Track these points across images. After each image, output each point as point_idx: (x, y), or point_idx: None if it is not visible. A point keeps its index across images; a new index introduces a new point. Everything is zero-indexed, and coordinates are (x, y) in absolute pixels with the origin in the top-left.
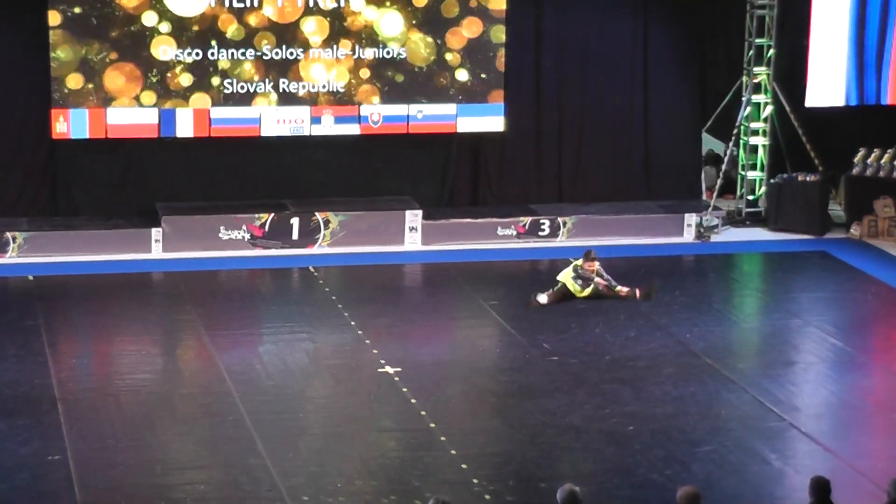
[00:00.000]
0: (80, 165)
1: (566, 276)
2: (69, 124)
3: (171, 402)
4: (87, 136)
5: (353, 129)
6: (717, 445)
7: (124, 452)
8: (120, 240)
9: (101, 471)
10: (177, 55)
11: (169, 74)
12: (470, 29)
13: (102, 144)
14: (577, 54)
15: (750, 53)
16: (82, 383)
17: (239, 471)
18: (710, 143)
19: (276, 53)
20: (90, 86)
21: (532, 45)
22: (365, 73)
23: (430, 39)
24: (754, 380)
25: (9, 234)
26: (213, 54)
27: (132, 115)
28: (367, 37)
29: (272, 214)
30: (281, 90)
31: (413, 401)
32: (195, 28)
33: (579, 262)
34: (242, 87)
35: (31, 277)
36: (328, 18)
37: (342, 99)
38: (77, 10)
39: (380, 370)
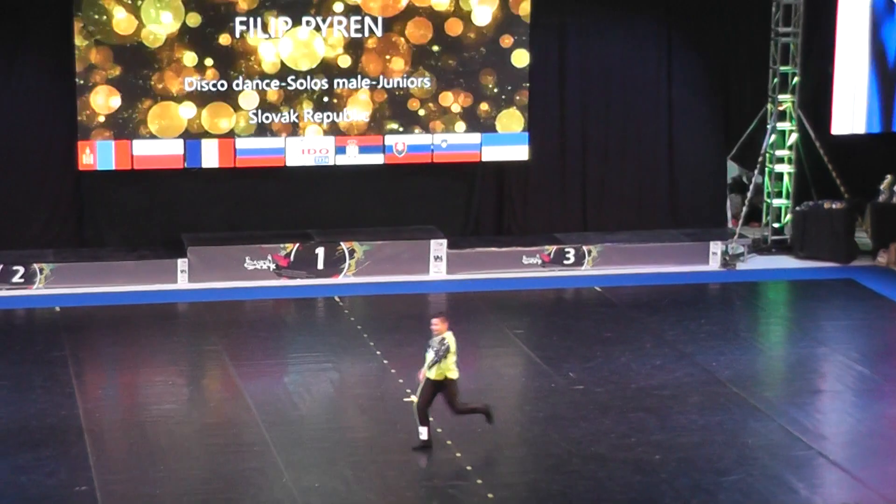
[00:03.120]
0: (106, 196)
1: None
2: (95, 156)
3: (198, 432)
4: (114, 167)
5: (377, 159)
6: (744, 475)
7: (151, 483)
8: (146, 270)
9: (128, 501)
10: (202, 85)
11: (195, 105)
12: (494, 65)
13: (128, 175)
14: (601, 83)
15: (775, 81)
16: (109, 414)
17: (266, 500)
18: (735, 170)
19: (301, 84)
20: (117, 117)
21: (556, 74)
22: (389, 103)
23: (452, 71)
24: (781, 408)
25: (36, 266)
26: (237, 85)
27: (158, 146)
28: (391, 68)
29: (297, 244)
30: (306, 120)
31: (439, 430)
32: (222, 59)
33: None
34: (267, 118)
35: (57, 308)
36: (352, 51)
37: (366, 129)
38: (104, 42)
39: (405, 399)
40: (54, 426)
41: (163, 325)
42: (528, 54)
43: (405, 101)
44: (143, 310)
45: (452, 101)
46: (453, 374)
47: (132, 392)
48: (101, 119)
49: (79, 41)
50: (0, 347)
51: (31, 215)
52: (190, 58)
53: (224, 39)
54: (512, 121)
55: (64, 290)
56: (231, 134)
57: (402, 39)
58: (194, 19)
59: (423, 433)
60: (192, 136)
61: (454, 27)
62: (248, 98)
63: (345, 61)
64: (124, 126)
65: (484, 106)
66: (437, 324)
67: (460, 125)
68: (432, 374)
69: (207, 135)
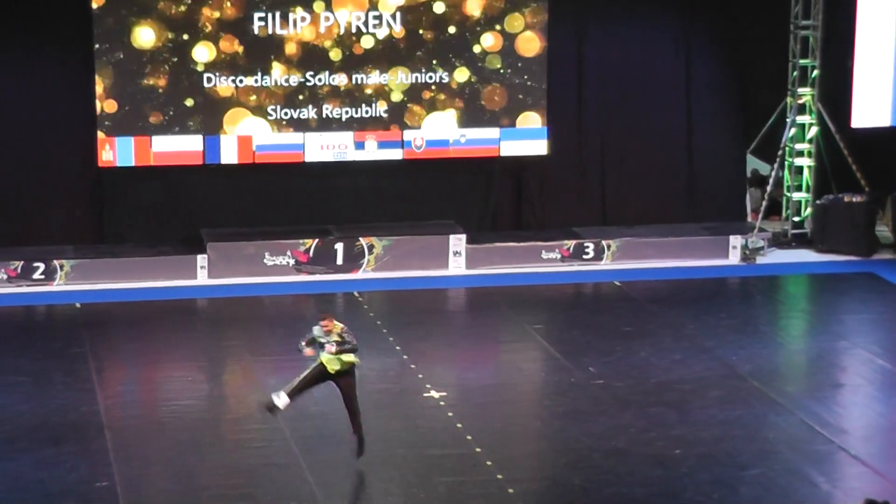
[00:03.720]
0: (125, 193)
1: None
2: (115, 152)
3: (218, 427)
4: (133, 163)
5: (396, 154)
6: (765, 469)
7: (171, 479)
8: (166, 266)
9: (149, 497)
10: (222, 81)
11: (214, 101)
12: (512, 54)
13: (148, 172)
14: (620, 77)
15: (794, 74)
16: (129, 410)
17: (286, 496)
18: (754, 164)
19: (320, 80)
20: (136, 113)
21: (574, 68)
22: (408, 97)
23: (469, 66)
24: (802, 402)
25: (56, 262)
26: (256, 81)
27: (177, 142)
28: (412, 63)
29: (316, 240)
30: (324, 115)
31: (459, 425)
32: (240, 55)
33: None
34: (286, 114)
35: (77, 305)
36: (373, 45)
37: (385, 124)
38: (122, 38)
39: (425, 395)
40: (75, 422)
41: (182, 321)
42: (546, 49)
43: (423, 96)
44: (162, 306)
45: (470, 95)
46: (337, 367)
47: (152, 388)
48: (120, 116)
49: (98, 36)
50: (21, 344)
51: (51, 212)
52: (208, 53)
53: (244, 34)
54: (530, 116)
55: (84, 287)
56: (250, 130)
57: (422, 33)
58: (212, 14)
59: (282, 400)
60: (212, 133)
61: (472, 21)
62: (267, 93)
63: (363, 55)
64: (143, 123)
65: (503, 100)
66: (326, 324)
67: (479, 120)
68: (336, 365)
69: (227, 131)
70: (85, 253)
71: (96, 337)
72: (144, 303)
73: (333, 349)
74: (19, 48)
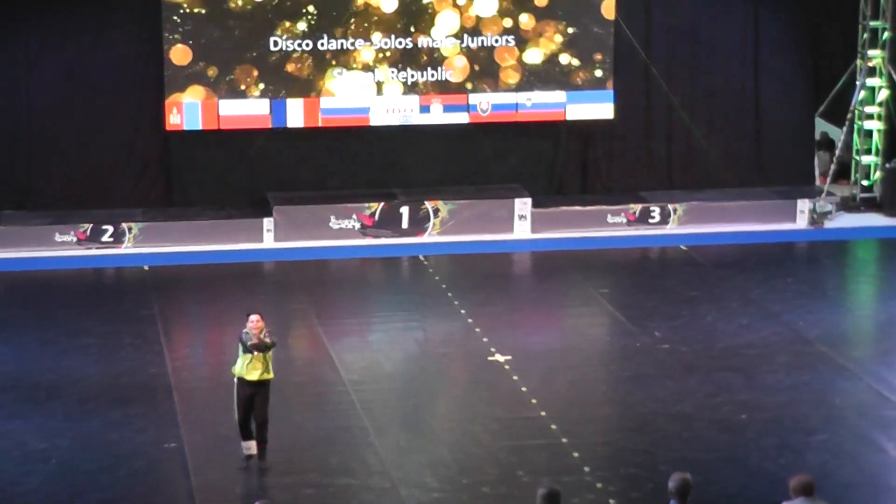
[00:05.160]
0: (193, 156)
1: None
2: (182, 116)
3: (284, 390)
4: (200, 127)
5: (461, 118)
6: (832, 434)
7: (237, 442)
8: (232, 230)
9: (216, 458)
10: (288, 45)
11: (281, 64)
12: (581, 23)
13: (215, 135)
14: (687, 39)
15: (864, 36)
16: (196, 372)
17: (351, 458)
18: (823, 127)
19: (386, 43)
20: (204, 77)
21: (642, 30)
22: (474, 62)
23: (538, 27)
24: (870, 368)
25: (125, 225)
26: (322, 45)
27: (244, 106)
28: (475, 27)
29: (382, 204)
30: (391, 79)
31: (523, 389)
32: (309, 19)
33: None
34: (353, 77)
35: (146, 267)
36: (435, 9)
37: (451, 88)
38: (192, 3)
39: (490, 358)
40: (143, 383)
41: (249, 284)
42: (615, 11)
43: (490, 59)
44: (229, 269)
45: (537, 58)
46: (271, 374)
47: (219, 350)
48: (189, 80)
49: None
50: (90, 305)
51: (119, 176)
52: (274, 21)
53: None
54: (598, 79)
55: (152, 249)
56: (317, 93)
57: None
58: None
59: (250, 448)
60: (278, 96)
61: None
62: (334, 57)
63: (429, 19)
64: (212, 86)
65: (570, 63)
66: (254, 321)
67: (545, 83)
68: (254, 376)
69: (293, 94)
70: (153, 216)
71: (164, 299)
72: (211, 266)
73: (254, 340)
74: (91, 14)
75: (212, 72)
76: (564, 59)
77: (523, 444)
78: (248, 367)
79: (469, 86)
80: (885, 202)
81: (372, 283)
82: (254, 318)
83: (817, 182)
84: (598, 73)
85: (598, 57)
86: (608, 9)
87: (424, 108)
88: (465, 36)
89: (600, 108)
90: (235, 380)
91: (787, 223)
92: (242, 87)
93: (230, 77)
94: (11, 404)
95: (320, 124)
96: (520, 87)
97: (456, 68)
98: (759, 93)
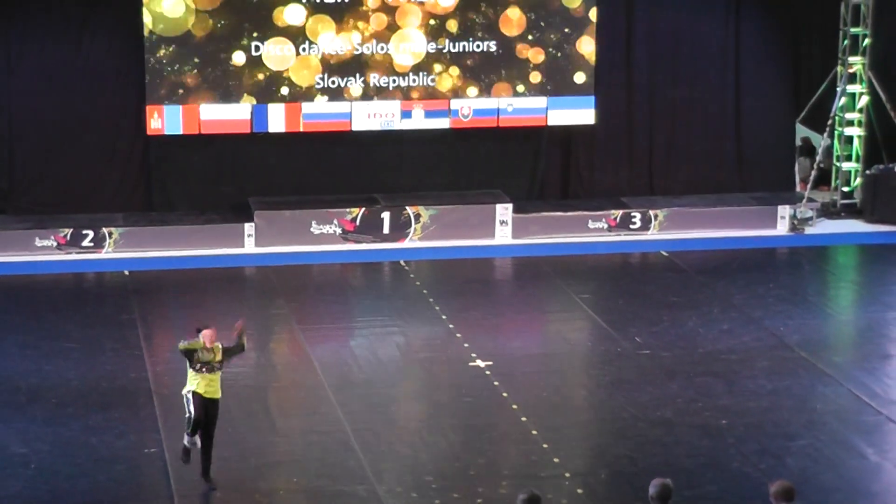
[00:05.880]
0: (174, 161)
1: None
2: (164, 120)
3: (265, 395)
4: (181, 131)
5: (443, 123)
6: (813, 439)
7: (218, 446)
8: (213, 234)
9: (197, 464)
10: (268, 50)
11: (261, 70)
12: (557, 24)
13: (196, 140)
14: (669, 45)
15: (845, 43)
16: (177, 377)
17: (332, 464)
18: (804, 133)
19: (367, 48)
20: (184, 82)
21: (623, 37)
22: (454, 66)
23: (518, 33)
24: (850, 373)
25: (105, 230)
26: (304, 49)
27: (225, 110)
28: (458, 31)
29: (363, 209)
30: (371, 84)
31: (504, 394)
32: (285, 25)
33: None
34: (333, 82)
35: (126, 272)
36: (418, 13)
37: (432, 93)
38: (170, 10)
39: (471, 364)
40: (124, 388)
41: (230, 289)
42: (596, 14)
43: (471, 64)
44: (210, 274)
45: (518, 64)
46: (218, 393)
47: None
48: (169, 84)
49: (147, 7)
50: (71, 310)
51: (100, 180)
52: (251, 27)
53: (291, 5)
54: (578, 84)
55: (133, 254)
56: (298, 98)
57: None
58: None
59: (196, 442)
60: (260, 101)
61: None
62: (313, 62)
63: (412, 24)
64: (192, 91)
65: (549, 67)
66: (207, 335)
67: (526, 89)
68: (207, 392)
69: (275, 99)
70: (134, 221)
71: (145, 304)
72: (192, 270)
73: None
74: (72, 19)
75: (192, 77)
76: (546, 65)
77: (504, 449)
78: (204, 386)
79: (450, 91)
80: (866, 208)
81: (353, 288)
82: (206, 332)
83: (798, 188)
84: (579, 78)
85: (581, 61)
86: (590, 14)
87: (406, 114)
88: (447, 41)
89: (582, 114)
90: (190, 395)
91: (768, 229)
92: (224, 92)
93: (211, 81)
94: None
95: (302, 129)
96: (501, 93)
97: (437, 73)
98: (739, 99)
